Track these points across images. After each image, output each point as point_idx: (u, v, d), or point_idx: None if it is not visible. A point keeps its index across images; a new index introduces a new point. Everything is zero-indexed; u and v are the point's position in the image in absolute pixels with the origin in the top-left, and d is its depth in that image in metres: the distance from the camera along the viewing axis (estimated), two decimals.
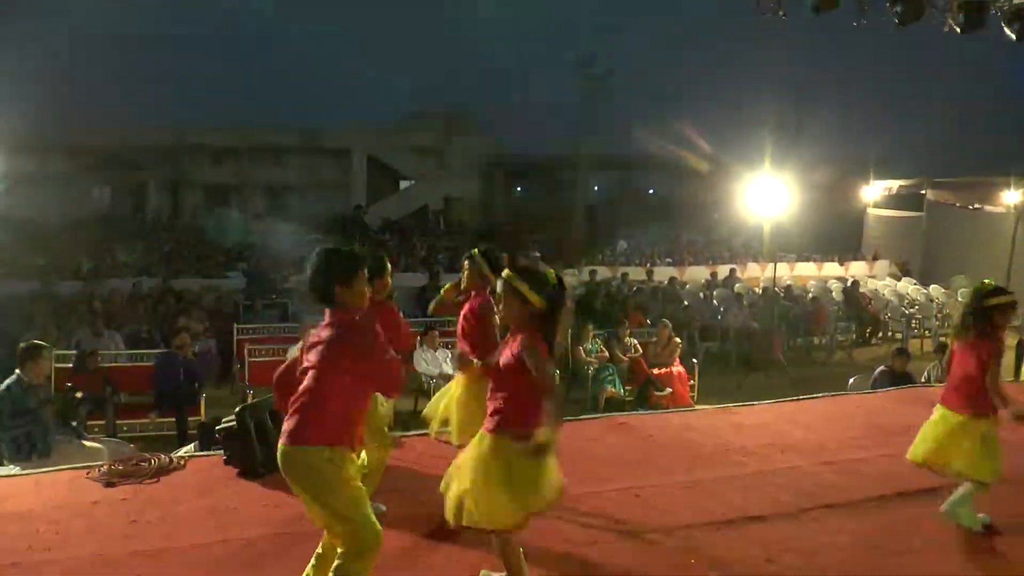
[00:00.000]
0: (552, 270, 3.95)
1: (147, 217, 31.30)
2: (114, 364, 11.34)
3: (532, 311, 3.77)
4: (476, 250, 5.33)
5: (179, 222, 30.69)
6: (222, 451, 5.95)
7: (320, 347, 3.57)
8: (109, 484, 5.47)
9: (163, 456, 5.96)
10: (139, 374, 11.21)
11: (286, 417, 3.63)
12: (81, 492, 5.40)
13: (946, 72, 25.43)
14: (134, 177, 31.85)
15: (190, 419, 10.36)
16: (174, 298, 16.29)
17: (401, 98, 29.13)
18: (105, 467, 5.71)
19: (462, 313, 5.28)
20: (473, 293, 5.26)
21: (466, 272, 5.34)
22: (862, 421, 7.69)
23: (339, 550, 3.57)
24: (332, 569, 3.54)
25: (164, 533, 4.81)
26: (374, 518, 3.60)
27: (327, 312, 3.63)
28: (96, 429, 10.33)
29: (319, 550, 3.77)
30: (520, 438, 3.68)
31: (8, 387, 6.75)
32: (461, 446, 5.17)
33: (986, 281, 5.23)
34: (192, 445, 7.08)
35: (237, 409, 5.82)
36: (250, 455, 5.71)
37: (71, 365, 10.78)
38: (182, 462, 5.94)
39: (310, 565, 3.77)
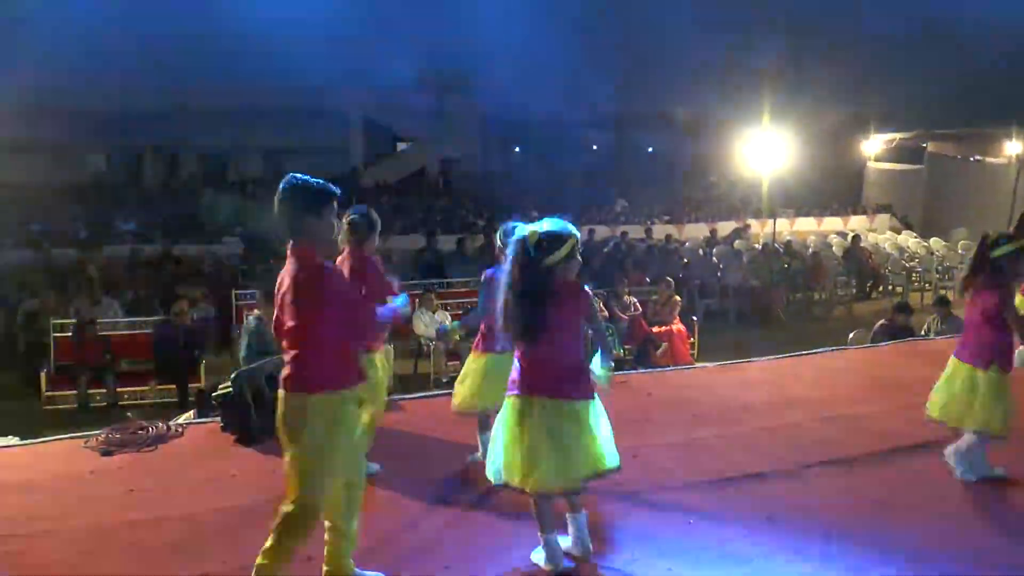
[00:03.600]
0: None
1: (144, 183, 31.15)
2: (113, 332, 11.33)
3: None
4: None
5: (176, 186, 30.55)
6: (219, 418, 5.94)
7: (289, 292, 3.45)
8: (106, 453, 5.47)
9: (161, 424, 5.95)
10: (139, 342, 11.21)
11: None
12: (79, 461, 5.39)
13: (946, 23, 25.13)
14: (130, 142, 31.60)
15: (190, 386, 10.38)
16: (173, 264, 16.25)
17: (398, 60, 28.69)
18: (103, 436, 5.69)
19: None
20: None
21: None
22: (862, 376, 7.66)
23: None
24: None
25: (161, 502, 4.80)
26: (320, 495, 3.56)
27: (290, 244, 3.53)
28: (98, 398, 10.39)
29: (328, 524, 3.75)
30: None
31: (256, 326, 7.02)
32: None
33: (989, 232, 5.11)
34: (191, 412, 7.07)
35: (233, 375, 5.79)
36: (246, 421, 5.69)
37: (70, 334, 10.79)
38: (180, 430, 5.93)
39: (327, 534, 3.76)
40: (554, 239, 3.75)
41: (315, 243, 3.50)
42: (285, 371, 3.53)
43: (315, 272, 3.45)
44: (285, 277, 3.52)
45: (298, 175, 3.54)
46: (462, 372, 5.33)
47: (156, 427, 5.85)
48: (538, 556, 4.03)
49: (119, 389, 10.48)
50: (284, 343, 3.56)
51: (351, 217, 5.01)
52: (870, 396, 6.97)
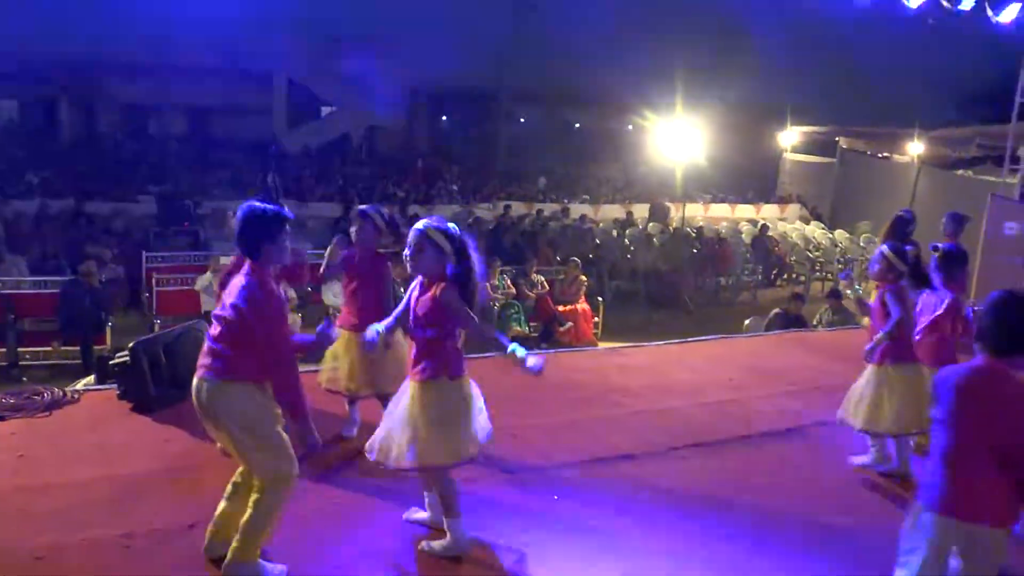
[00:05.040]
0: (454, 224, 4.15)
1: (61, 135, 30.24)
2: (16, 291, 11.22)
3: (445, 263, 4.03)
4: (362, 207, 5.56)
5: (94, 140, 29.74)
6: (116, 385, 6.06)
7: (243, 303, 3.68)
8: None
9: (57, 389, 6.03)
10: (44, 301, 11.10)
11: (205, 353, 3.76)
12: None
13: (861, 25, 26.06)
14: (45, 91, 30.56)
15: (96, 348, 10.38)
16: (85, 221, 16.01)
17: (326, 22, 28.32)
18: None
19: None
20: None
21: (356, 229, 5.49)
22: (743, 363, 8.11)
23: (256, 483, 3.77)
24: (251, 503, 3.74)
25: (51, 468, 4.92)
26: (291, 450, 3.79)
27: (248, 263, 3.76)
28: None
29: (236, 479, 3.93)
30: (447, 382, 4.02)
31: None
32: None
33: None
34: (90, 378, 7.14)
35: (131, 345, 5.92)
36: (144, 390, 5.84)
37: None
38: (76, 396, 6.03)
39: (225, 497, 3.93)
40: None
41: (271, 263, 3.79)
42: (208, 360, 3.73)
43: (269, 296, 3.71)
44: (241, 284, 3.72)
45: (255, 203, 3.82)
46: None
47: (51, 392, 5.94)
48: (447, 544, 4.20)
49: (20, 349, 10.41)
50: (217, 333, 3.76)
51: None
52: (744, 383, 7.43)
